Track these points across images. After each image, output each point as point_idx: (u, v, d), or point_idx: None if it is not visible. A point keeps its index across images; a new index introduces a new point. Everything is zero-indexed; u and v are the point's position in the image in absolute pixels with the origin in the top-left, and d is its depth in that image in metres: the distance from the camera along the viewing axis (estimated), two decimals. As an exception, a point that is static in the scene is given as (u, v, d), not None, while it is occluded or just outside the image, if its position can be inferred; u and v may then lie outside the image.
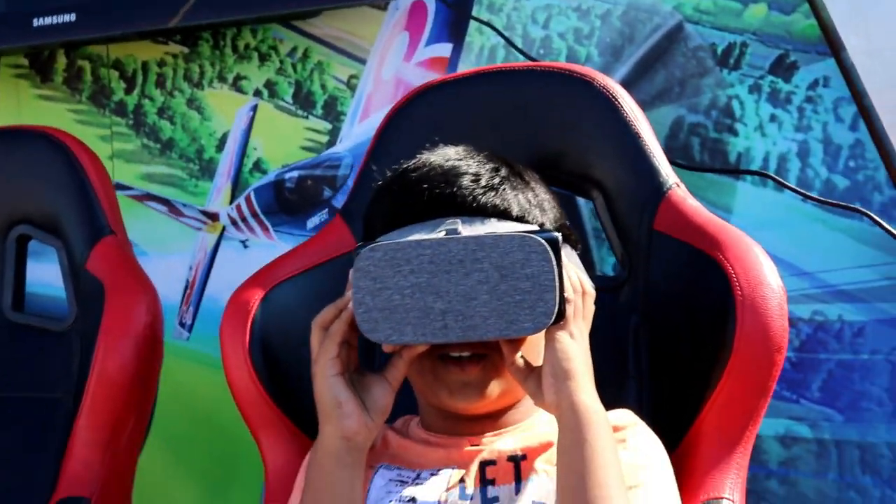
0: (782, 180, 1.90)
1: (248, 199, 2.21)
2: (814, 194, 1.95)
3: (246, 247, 2.22)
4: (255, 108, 2.22)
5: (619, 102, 1.52)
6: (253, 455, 2.16)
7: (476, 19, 2.07)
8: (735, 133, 1.99)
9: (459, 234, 1.19)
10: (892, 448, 1.94)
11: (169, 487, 2.17)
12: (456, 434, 1.30)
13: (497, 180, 1.27)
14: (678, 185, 1.49)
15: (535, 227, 1.24)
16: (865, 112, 1.92)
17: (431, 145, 1.37)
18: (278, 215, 2.19)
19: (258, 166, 2.22)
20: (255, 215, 2.20)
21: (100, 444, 1.61)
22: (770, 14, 1.98)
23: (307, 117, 2.19)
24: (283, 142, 2.19)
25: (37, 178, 1.78)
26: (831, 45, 1.93)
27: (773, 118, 1.98)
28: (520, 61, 2.04)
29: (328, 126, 2.18)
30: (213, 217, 2.24)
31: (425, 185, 1.26)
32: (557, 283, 1.16)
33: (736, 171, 1.95)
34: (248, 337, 1.48)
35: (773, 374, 1.35)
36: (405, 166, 1.33)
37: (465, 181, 1.26)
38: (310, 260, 1.55)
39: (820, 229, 1.94)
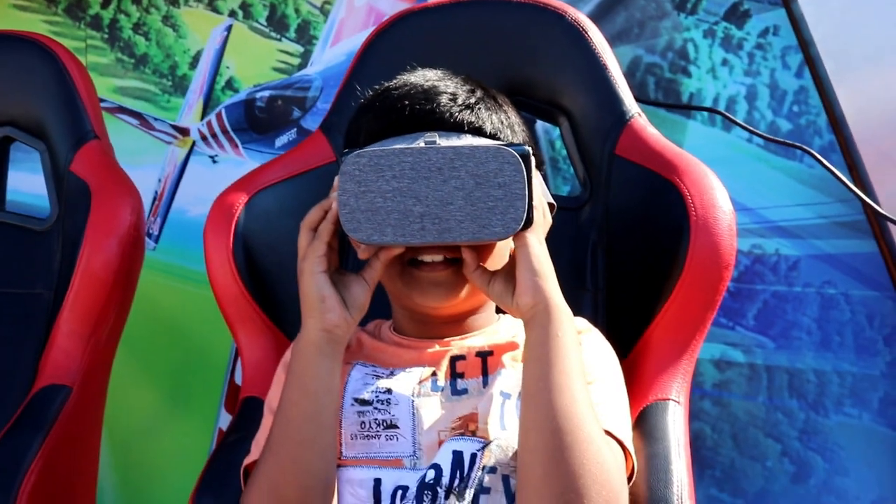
0: (732, 117, 1.97)
1: (218, 116, 2.23)
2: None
3: (215, 162, 2.24)
4: (229, 29, 2.23)
5: (588, 35, 1.59)
6: (213, 362, 2.26)
7: (448, -49, 2.12)
8: (688, 74, 2.06)
9: (439, 145, 1.26)
10: (818, 374, 2.04)
11: (131, 393, 2.22)
12: (426, 337, 1.38)
13: (473, 100, 1.34)
14: (639, 115, 1.56)
15: (504, 143, 1.30)
16: (811, 60, 1.99)
17: (410, 68, 1.42)
18: (248, 133, 2.22)
19: (230, 85, 2.23)
20: (225, 132, 2.23)
21: (82, 337, 1.66)
22: None
23: (280, 40, 2.21)
24: (256, 62, 2.21)
25: (24, 83, 1.81)
26: None
27: (724, 62, 2.05)
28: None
29: (300, 49, 2.20)
30: (184, 132, 2.26)
31: (406, 102, 1.32)
32: (527, 193, 1.22)
33: (690, 108, 2.02)
34: (231, 238, 1.53)
35: (721, 288, 1.43)
36: (387, 85, 1.38)
37: (444, 99, 1.33)
38: (291, 169, 1.60)
39: (762, 168, 2.02)
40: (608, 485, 1.20)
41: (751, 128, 1.96)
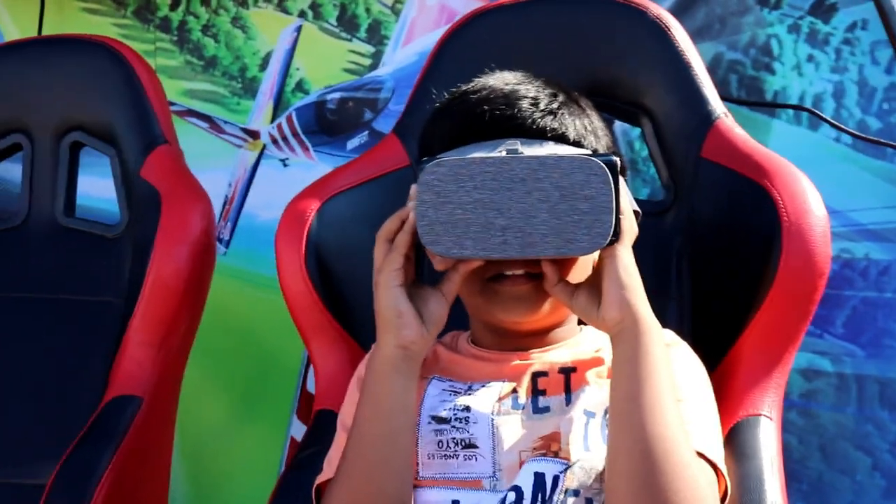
0: (820, 114, 1.93)
1: (289, 119, 2.22)
2: (846, 136, 1.96)
3: (285, 165, 2.23)
4: (299, 29, 2.22)
5: (671, 32, 1.55)
6: (284, 369, 2.26)
7: (524, -52, 2.09)
8: (772, 72, 2.01)
9: (521, 154, 1.21)
10: None
11: (202, 400, 2.21)
12: (505, 350, 1.34)
13: (555, 105, 1.30)
14: (726, 115, 1.52)
15: (590, 153, 1.26)
16: None
17: (487, 69, 1.38)
18: (319, 135, 2.21)
19: (300, 87, 2.22)
20: (295, 135, 2.22)
21: (153, 346, 1.65)
22: None
23: (351, 40, 2.20)
24: (326, 63, 2.20)
25: (93, 87, 1.81)
26: None
27: (810, 58, 2.00)
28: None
29: (371, 49, 2.19)
30: (254, 135, 2.26)
31: (486, 107, 1.28)
32: (615, 206, 1.18)
33: (776, 105, 1.97)
34: (303, 245, 1.51)
35: (815, 298, 1.39)
36: (464, 88, 1.34)
37: (525, 104, 1.28)
38: (364, 174, 1.58)
39: (851, 169, 1.97)
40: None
41: (839, 125, 1.91)
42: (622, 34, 1.57)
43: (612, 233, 1.18)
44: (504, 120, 1.27)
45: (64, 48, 1.84)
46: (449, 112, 1.33)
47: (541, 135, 1.27)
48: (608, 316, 1.21)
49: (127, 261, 1.75)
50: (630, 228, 1.23)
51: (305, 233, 1.51)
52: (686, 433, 1.19)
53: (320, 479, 1.32)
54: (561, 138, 1.28)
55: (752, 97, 2.01)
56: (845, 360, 2.00)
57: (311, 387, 2.20)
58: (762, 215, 1.40)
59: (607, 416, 1.26)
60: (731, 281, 1.44)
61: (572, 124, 1.30)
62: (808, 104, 1.99)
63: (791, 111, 2.00)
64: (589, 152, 1.24)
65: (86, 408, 1.66)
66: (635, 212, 1.27)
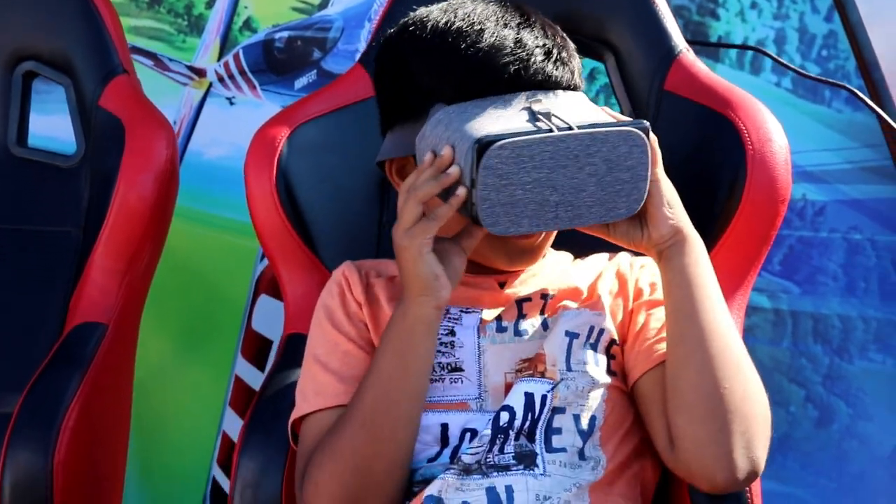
0: (777, 57, 1.97)
1: (236, 57, 2.21)
2: (787, 80, 2.04)
3: (232, 104, 2.22)
4: None
5: None
6: (229, 307, 2.25)
7: None
8: (717, 17, 2.06)
9: (553, 116, 1.22)
10: (843, 320, 2.06)
11: (147, 335, 2.10)
12: (482, 273, 1.36)
13: (564, 54, 1.31)
14: (688, 50, 1.55)
15: (626, 118, 1.26)
16: (840, 4, 2.01)
17: None
18: (266, 74, 2.20)
19: (248, 25, 2.21)
20: (242, 73, 2.21)
21: (117, 273, 1.64)
22: None
23: None
24: (275, 2, 2.19)
25: (48, 15, 1.78)
26: None
27: (753, 5, 2.05)
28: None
29: None
30: (200, 73, 2.24)
31: (501, 60, 1.27)
32: (649, 171, 1.23)
33: (734, 46, 2.02)
34: (274, 172, 1.50)
35: (777, 222, 1.43)
36: (457, 24, 1.30)
37: (539, 56, 1.28)
38: (333, 103, 1.58)
39: (790, 112, 2.03)
40: (766, 407, 1.26)
41: (793, 67, 1.97)
42: None
43: (644, 196, 1.23)
44: (522, 73, 1.27)
45: (15, -25, 1.81)
46: (455, 57, 1.29)
47: (555, 86, 1.28)
48: (658, 235, 1.26)
49: (85, 190, 1.74)
50: (658, 152, 1.26)
51: (276, 159, 1.51)
52: (734, 326, 1.29)
53: (295, 414, 1.33)
54: (570, 87, 1.30)
55: (697, 40, 2.04)
56: (781, 296, 2.07)
57: (255, 325, 2.23)
58: (727, 144, 1.44)
59: (592, 334, 1.31)
60: (698, 207, 1.43)
61: (576, 70, 1.32)
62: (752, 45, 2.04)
63: (734, 56, 2.06)
64: (626, 124, 1.24)
65: (47, 336, 1.66)
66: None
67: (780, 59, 1.99)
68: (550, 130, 1.20)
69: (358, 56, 1.65)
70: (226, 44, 2.23)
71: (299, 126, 1.55)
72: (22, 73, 1.82)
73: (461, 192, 1.21)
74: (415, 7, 1.56)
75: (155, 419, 2.24)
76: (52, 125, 1.93)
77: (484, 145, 1.19)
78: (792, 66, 1.98)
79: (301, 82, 2.18)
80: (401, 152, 1.33)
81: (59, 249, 1.73)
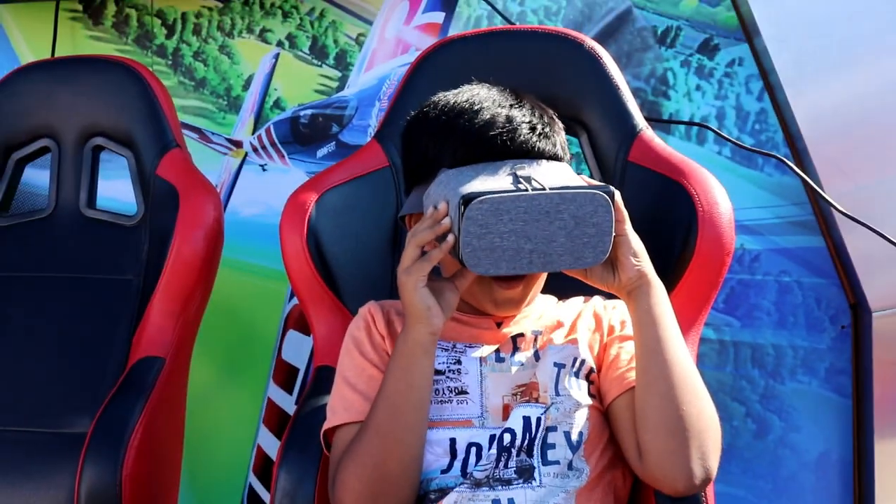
0: (719, 131, 1.98)
1: (267, 131, 2.21)
2: (727, 150, 2.04)
3: (264, 170, 2.22)
4: (277, 56, 2.21)
5: (603, 60, 1.59)
6: (263, 341, 2.24)
7: (467, -7, 2.09)
8: (668, 98, 2.07)
9: (532, 181, 1.24)
10: (776, 348, 2.05)
11: (194, 365, 2.10)
12: (480, 315, 1.37)
13: (548, 129, 1.32)
14: (647, 128, 1.56)
15: (597, 183, 1.28)
16: (770, 87, 2.02)
17: (461, 85, 1.39)
18: (293, 145, 2.20)
19: (278, 104, 2.21)
20: (273, 144, 2.20)
21: (173, 314, 1.66)
22: (700, 5, 2.06)
23: (321, 66, 2.20)
24: (300, 85, 2.19)
25: (113, 99, 1.80)
26: (746, 32, 2.03)
27: (698, 87, 2.06)
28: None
29: (338, 74, 2.19)
30: (238, 144, 2.24)
31: (492, 133, 1.29)
32: (613, 229, 1.23)
33: (685, 123, 2.02)
34: (304, 230, 1.51)
35: (723, 270, 1.44)
36: (460, 105, 1.33)
37: (525, 129, 1.30)
38: (352, 172, 1.59)
39: (730, 177, 2.03)
40: (717, 423, 1.26)
41: (731, 139, 1.97)
42: (563, 61, 1.60)
43: (609, 249, 1.24)
44: (509, 144, 1.29)
45: (88, 66, 1.83)
46: (455, 131, 1.32)
47: (539, 155, 1.30)
48: (626, 279, 1.27)
49: (144, 244, 1.75)
50: (625, 212, 1.28)
51: (306, 220, 1.52)
52: (691, 359, 1.29)
53: (327, 425, 1.34)
54: (552, 157, 1.31)
55: (652, 118, 2.06)
56: (725, 329, 2.06)
57: (284, 356, 2.21)
58: (681, 207, 1.45)
59: (575, 364, 1.33)
60: (657, 260, 1.45)
61: (558, 143, 1.33)
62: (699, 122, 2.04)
63: (683, 130, 2.06)
64: (593, 188, 1.25)
65: (113, 368, 1.67)
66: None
67: (720, 133, 2.00)
68: (526, 190, 1.22)
69: (371, 132, 1.67)
70: (259, 120, 2.23)
71: (325, 192, 1.56)
72: (91, 147, 1.84)
73: (450, 238, 1.24)
74: (421, 92, 1.62)
75: (200, 435, 2.21)
76: (112, 189, 1.94)
77: (468, 200, 1.21)
78: (730, 138, 1.99)
79: (322, 152, 2.19)
80: (416, 209, 1.35)
81: (122, 294, 1.74)
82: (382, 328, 1.37)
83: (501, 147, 1.29)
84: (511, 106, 1.33)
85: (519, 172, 1.26)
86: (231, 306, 2.20)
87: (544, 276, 1.37)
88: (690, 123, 2.03)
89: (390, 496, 1.27)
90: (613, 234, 1.24)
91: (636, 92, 2.07)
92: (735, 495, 2.07)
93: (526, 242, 1.22)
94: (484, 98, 1.35)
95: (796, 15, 1.98)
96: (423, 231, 1.26)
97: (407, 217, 1.39)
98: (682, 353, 1.27)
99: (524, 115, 1.32)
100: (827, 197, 1.92)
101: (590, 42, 1.61)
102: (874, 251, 1.92)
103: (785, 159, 1.95)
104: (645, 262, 1.28)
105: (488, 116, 1.31)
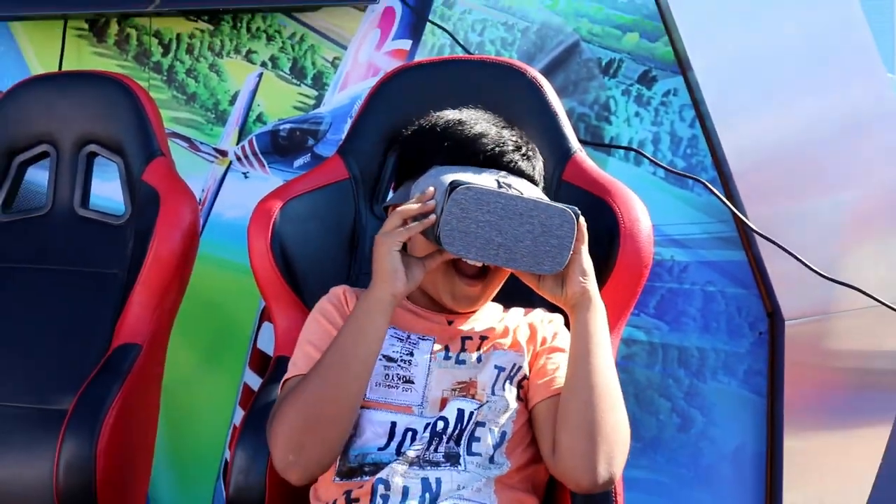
0: (647, 154, 1.98)
1: (250, 142, 2.20)
2: (661, 172, 2.04)
3: (246, 177, 2.21)
4: (260, 76, 2.20)
5: (543, 88, 1.59)
6: (240, 331, 2.22)
7: (432, 23, 2.10)
8: (610, 122, 2.06)
9: (512, 188, 1.26)
10: (700, 351, 2.06)
11: (176, 352, 2.08)
12: (436, 310, 1.37)
13: (530, 153, 1.36)
14: (580, 150, 1.57)
15: (568, 206, 1.27)
16: (700, 115, 2.03)
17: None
18: (272, 155, 2.19)
19: (260, 118, 2.21)
20: (255, 154, 2.20)
21: (150, 307, 1.65)
22: (640, 41, 2.07)
23: (300, 85, 2.19)
24: (280, 102, 2.18)
25: (106, 110, 1.79)
26: (681, 65, 2.04)
27: (637, 114, 2.06)
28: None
29: (315, 93, 2.18)
30: (223, 153, 2.23)
31: (483, 143, 1.32)
32: (572, 246, 1.24)
33: (618, 147, 2.02)
34: (269, 234, 1.51)
35: (641, 281, 1.45)
36: (456, 118, 1.36)
37: (510, 148, 1.34)
38: (315, 183, 1.58)
39: (663, 195, 2.04)
40: (627, 435, 1.26)
41: (661, 163, 1.97)
42: (507, 88, 1.60)
43: (566, 263, 1.25)
44: (496, 156, 1.33)
45: (86, 80, 1.83)
46: (449, 136, 1.35)
47: (519, 174, 1.33)
48: (571, 293, 1.27)
49: (129, 243, 1.74)
50: (585, 235, 1.28)
51: (271, 225, 1.52)
52: (615, 372, 1.27)
53: (287, 376, 1.33)
54: (530, 178, 1.35)
55: (595, 141, 2.07)
56: (655, 332, 2.07)
57: (260, 344, 2.20)
58: (606, 223, 1.45)
59: (513, 370, 1.33)
60: None
61: (536, 169, 1.37)
62: (635, 147, 2.05)
63: (622, 152, 2.06)
64: (564, 205, 1.27)
65: (97, 352, 1.66)
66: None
67: (652, 158, 2.00)
68: (507, 191, 1.25)
69: (337, 147, 1.64)
70: (243, 132, 2.22)
71: (289, 200, 1.55)
72: (86, 153, 1.83)
73: (432, 218, 1.25)
74: (380, 112, 1.62)
75: (182, 414, 2.21)
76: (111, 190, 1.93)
77: (456, 185, 1.23)
78: (661, 163, 1.99)
79: (298, 162, 2.18)
80: (403, 199, 1.35)
81: (108, 286, 1.73)
82: (353, 306, 1.35)
83: (490, 157, 1.32)
84: (503, 127, 1.37)
85: (502, 179, 1.29)
86: (213, 299, 2.19)
87: (501, 282, 1.37)
88: (626, 148, 2.03)
89: (319, 437, 1.24)
90: (571, 250, 1.25)
91: (581, 117, 2.08)
92: (659, 482, 2.08)
93: (497, 235, 1.23)
94: (480, 117, 1.39)
95: (725, 52, 2.00)
96: (408, 206, 1.27)
97: (391, 207, 1.39)
98: (608, 368, 1.27)
99: (512, 137, 1.36)
100: (745, 219, 1.92)
101: (532, 72, 1.61)
102: (788, 267, 1.93)
103: (708, 184, 1.95)
104: (590, 283, 1.28)
105: (482, 129, 1.35)
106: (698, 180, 1.96)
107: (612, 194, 1.48)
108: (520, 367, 1.34)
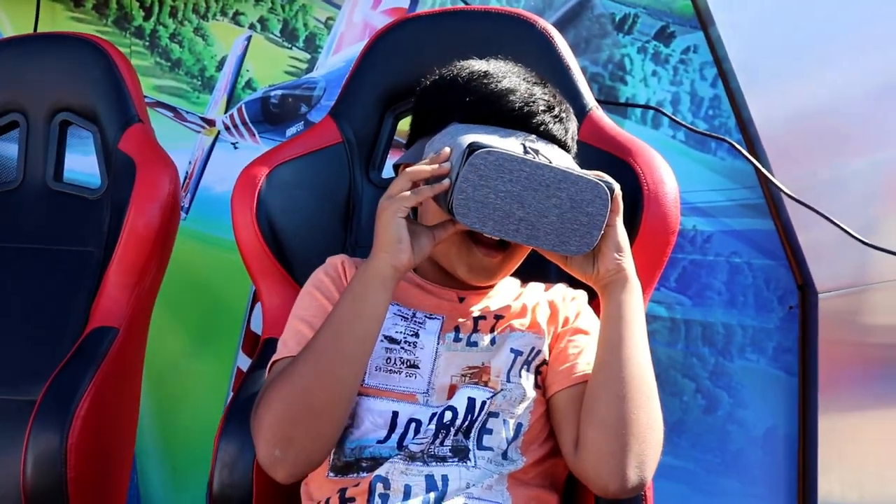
0: (672, 115, 1.88)
1: (239, 110, 2.12)
2: (681, 134, 1.93)
3: (236, 148, 2.13)
4: (249, 39, 2.13)
5: (554, 41, 1.49)
6: (232, 312, 2.15)
7: (432, -22, 2.01)
8: (625, 83, 1.96)
9: (540, 155, 1.14)
10: (726, 327, 1.96)
11: (166, 335, 2.09)
12: (446, 286, 1.25)
13: (564, 115, 1.22)
14: (597, 107, 1.46)
15: (602, 175, 1.16)
16: (723, 74, 1.92)
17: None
18: (263, 124, 2.11)
19: (249, 85, 2.13)
20: (244, 123, 2.12)
21: (128, 287, 1.54)
22: None
23: (291, 48, 2.11)
24: (271, 66, 2.11)
25: (79, 75, 1.68)
26: (702, 20, 1.93)
27: (654, 73, 1.96)
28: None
29: (307, 56, 2.10)
30: (211, 123, 2.15)
31: (510, 100, 1.19)
32: (604, 225, 1.13)
33: (635, 106, 1.91)
34: (254, 204, 1.42)
35: (667, 250, 1.34)
36: (481, 69, 1.23)
37: (542, 107, 1.20)
38: (305, 148, 1.49)
39: (684, 160, 1.94)
40: (661, 433, 1.16)
41: (685, 123, 1.86)
42: (515, 41, 1.49)
43: (595, 244, 1.13)
44: (524, 117, 1.18)
45: (56, 43, 1.70)
46: (472, 90, 1.21)
47: (549, 138, 1.19)
48: (604, 270, 1.15)
49: (106, 218, 1.62)
50: (620, 205, 1.16)
51: (256, 194, 1.42)
52: (649, 357, 1.16)
53: (276, 356, 1.21)
54: (562, 144, 1.21)
55: (607, 100, 1.95)
56: (677, 307, 1.98)
57: (253, 326, 2.11)
58: (627, 185, 1.32)
59: (531, 354, 1.20)
60: None
61: (569, 132, 1.22)
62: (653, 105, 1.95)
63: (639, 114, 1.95)
64: (597, 177, 1.15)
65: (71, 337, 1.54)
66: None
67: (674, 117, 1.90)
68: (534, 158, 1.12)
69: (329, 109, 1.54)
70: (231, 99, 2.14)
71: (277, 167, 1.45)
72: (58, 122, 1.72)
73: (446, 182, 1.12)
74: (376, 70, 1.50)
75: (172, 402, 2.14)
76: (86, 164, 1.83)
77: (475, 148, 1.10)
78: (684, 122, 1.90)
79: (291, 131, 2.09)
80: (416, 158, 1.22)
81: (84, 265, 1.62)
82: (351, 277, 1.23)
83: (517, 116, 1.18)
84: (534, 83, 1.22)
85: (528, 144, 1.16)
86: (202, 279, 2.11)
87: (525, 254, 1.25)
88: (644, 107, 1.92)
89: (309, 430, 1.11)
90: (603, 230, 1.13)
91: (594, 77, 1.97)
92: (685, 468, 1.97)
93: (518, 208, 1.11)
94: (509, 70, 1.24)
95: (750, 4, 1.88)
96: (420, 167, 1.13)
97: (401, 167, 1.25)
98: (643, 357, 1.15)
99: (544, 95, 1.21)
100: (776, 181, 1.81)
101: (542, 23, 1.50)
102: (821, 235, 1.82)
103: (736, 144, 1.84)
104: (626, 259, 1.16)
105: (511, 85, 1.20)
106: (726, 140, 1.85)
107: (633, 154, 1.37)
108: (539, 351, 1.21)
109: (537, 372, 1.21)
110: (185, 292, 2.09)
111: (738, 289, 1.96)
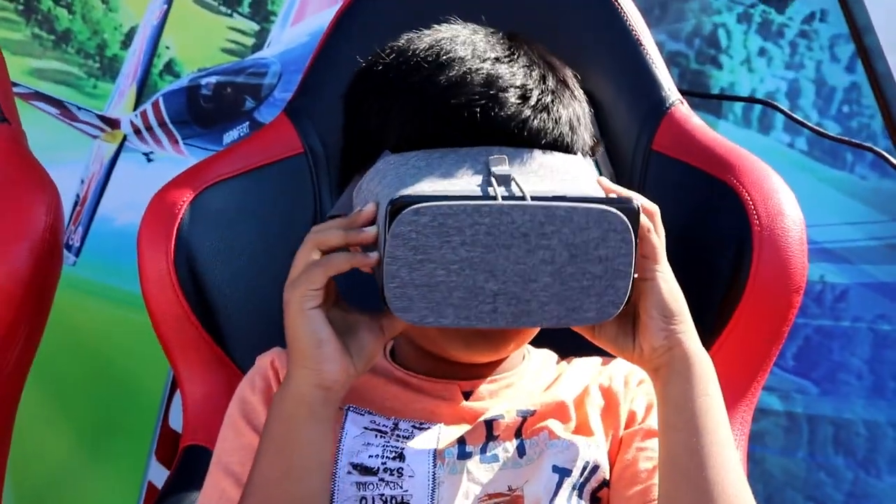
0: (789, 112, 1.91)
1: (155, 106, 2.16)
2: (802, 140, 1.97)
3: (150, 160, 2.17)
4: (170, 2, 2.17)
5: (619, 5, 1.47)
6: (143, 401, 2.16)
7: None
8: (719, 66, 2.01)
9: (510, 181, 1.08)
10: (870, 427, 1.99)
11: (44, 435, 2.12)
12: (440, 377, 1.22)
13: (549, 97, 1.16)
14: (682, 102, 1.45)
15: (621, 191, 1.13)
16: (865, 52, 1.95)
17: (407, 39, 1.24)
18: (190, 126, 2.15)
19: (170, 68, 2.18)
20: (162, 125, 2.16)
21: (-18, 361, 1.52)
22: None
23: (231, 15, 2.16)
24: (202, 42, 2.16)
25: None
26: None
27: (762, 52, 2.00)
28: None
29: (255, 27, 2.15)
30: (113, 124, 2.19)
31: (463, 99, 1.13)
32: (633, 267, 1.07)
33: (735, 99, 1.97)
34: (172, 245, 1.40)
35: (790, 316, 1.33)
36: (422, 51, 1.18)
37: (512, 98, 1.14)
38: (250, 161, 1.48)
39: (805, 179, 1.97)
40: None
41: (809, 124, 1.90)
42: (560, 5, 1.49)
43: (626, 301, 1.08)
44: (485, 118, 1.13)
45: None
46: (407, 93, 1.16)
47: (531, 141, 1.13)
48: (649, 348, 1.11)
49: (-48, 264, 1.61)
50: (662, 236, 1.13)
51: (175, 230, 1.40)
52: (746, 485, 1.11)
53: None
54: (555, 144, 1.15)
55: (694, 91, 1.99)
56: (796, 397, 2.00)
57: (173, 423, 2.14)
58: (728, 217, 1.35)
59: (584, 474, 1.17)
60: (692, 294, 1.32)
61: (565, 121, 1.16)
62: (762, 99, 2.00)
63: (740, 111, 1.99)
64: (602, 198, 1.10)
65: None
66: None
67: (793, 116, 1.91)
68: (495, 198, 1.05)
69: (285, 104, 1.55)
70: (143, 90, 2.17)
71: (206, 188, 1.44)
72: None
73: (374, 256, 1.08)
74: (350, 48, 1.48)
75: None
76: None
77: (398, 207, 1.04)
78: (807, 123, 1.91)
79: (231, 136, 2.13)
80: (348, 209, 1.18)
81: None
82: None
83: (473, 122, 1.12)
84: (496, 60, 1.16)
85: (495, 168, 1.09)
86: (99, 352, 2.15)
87: None
88: (749, 100, 1.96)
89: None
90: (633, 275, 1.07)
91: (673, 57, 2.01)
92: None
93: (488, 280, 1.05)
94: (460, 44, 1.18)
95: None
96: (329, 231, 1.09)
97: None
98: (727, 473, 1.10)
99: (514, 75, 1.15)
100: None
101: None
102: None
103: (887, 154, 1.87)
104: (681, 326, 1.11)
105: (459, 73, 1.14)
106: (869, 149, 1.88)
107: (735, 170, 1.36)
108: (595, 468, 1.17)
109: (594, 500, 1.18)
110: (74, 370, 2.12)
111: (888, 369, 1.98)
